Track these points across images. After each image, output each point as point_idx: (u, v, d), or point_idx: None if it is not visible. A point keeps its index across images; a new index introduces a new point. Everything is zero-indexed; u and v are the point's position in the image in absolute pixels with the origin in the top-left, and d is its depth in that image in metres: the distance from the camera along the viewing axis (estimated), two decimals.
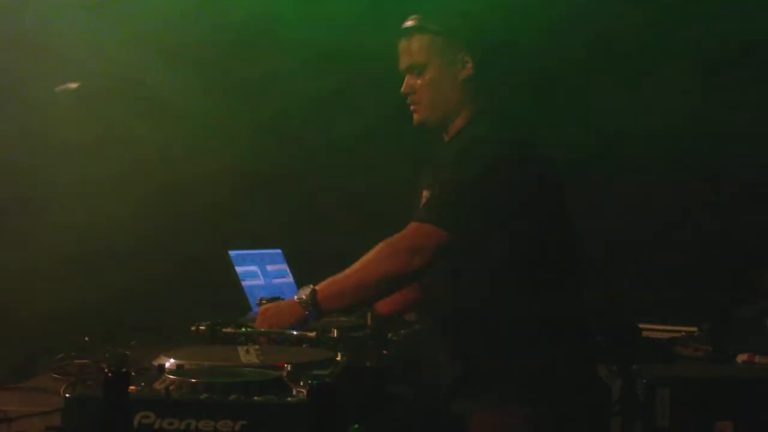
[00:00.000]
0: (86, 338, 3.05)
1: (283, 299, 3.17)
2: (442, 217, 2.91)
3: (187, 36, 4.56)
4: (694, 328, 4.01)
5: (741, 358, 3.72)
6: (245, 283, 3.52)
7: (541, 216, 2.98)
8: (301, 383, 2.30)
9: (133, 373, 2.27)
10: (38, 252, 4.15)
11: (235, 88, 4.70)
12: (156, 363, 2.48)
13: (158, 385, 2.30)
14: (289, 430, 2.14)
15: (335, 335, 2.86)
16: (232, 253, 3.55)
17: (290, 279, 3.70)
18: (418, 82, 3.11)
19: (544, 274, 2.98)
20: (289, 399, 2.21)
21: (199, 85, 4.54)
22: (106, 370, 2.13)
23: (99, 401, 2.15)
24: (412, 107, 3.14)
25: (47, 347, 3.22)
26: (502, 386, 2.92)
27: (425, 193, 3.12)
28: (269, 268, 3.66)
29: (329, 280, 2.97)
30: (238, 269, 3.53)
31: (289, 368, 2.36)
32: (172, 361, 2.47)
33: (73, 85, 3.59)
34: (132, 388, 2.19)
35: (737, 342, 3.81)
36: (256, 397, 2.20)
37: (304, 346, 2.84)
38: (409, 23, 3.12)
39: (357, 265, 2.95)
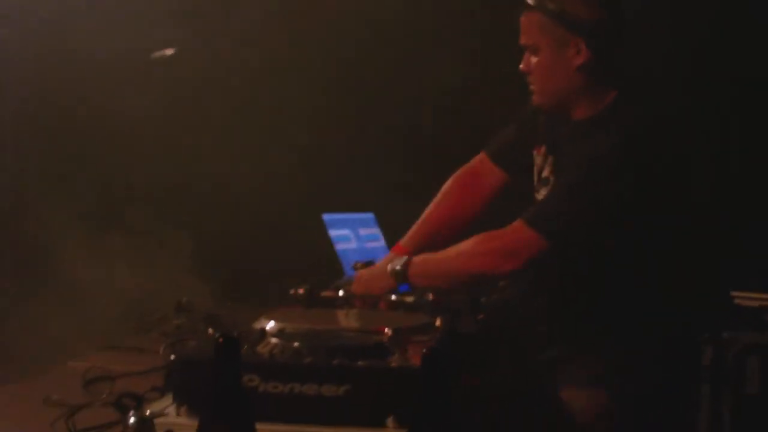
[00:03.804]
0: (183, 299, 3.10)
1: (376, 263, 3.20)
2: (549, 227, 2.88)
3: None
4: None
5: None
6: (338, 247, 3.53)
7: (660, 221, 2.92)
8: (403, 348, 2.30)
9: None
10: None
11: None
12: (257, 326, 2.48)
13: (262, 348, 2.33)
14: (392, 395, 2.15)
15: (431, 299, 2.87)
16: (325, 216, 3.56)
17: (382, 243, 3.71)
18: (533, 61, 3.02)
19: (653, 273, 2.94)
20: (392, 364, 2.23)
21: None
22: (215, 335, 2.15)
23: (204, 364, 2.18)
24: (530, 87, 3.07)
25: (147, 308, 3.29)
26: (594, 369, 2.91)
27: (538, 165, 3.07)
28: (362, 232, 3.66)
29: (423, 257, 3.04)
30: (332, 233, 3.54)
31: (389, 333, 2.37)
32: (273, 324, 2.47)
33: (169, 52, 3.61)
34: None
35: None
36: (360, 362, 2.21)
37: (401, 310, 2.86)
38: None
39: (452, 251, 3.00)
